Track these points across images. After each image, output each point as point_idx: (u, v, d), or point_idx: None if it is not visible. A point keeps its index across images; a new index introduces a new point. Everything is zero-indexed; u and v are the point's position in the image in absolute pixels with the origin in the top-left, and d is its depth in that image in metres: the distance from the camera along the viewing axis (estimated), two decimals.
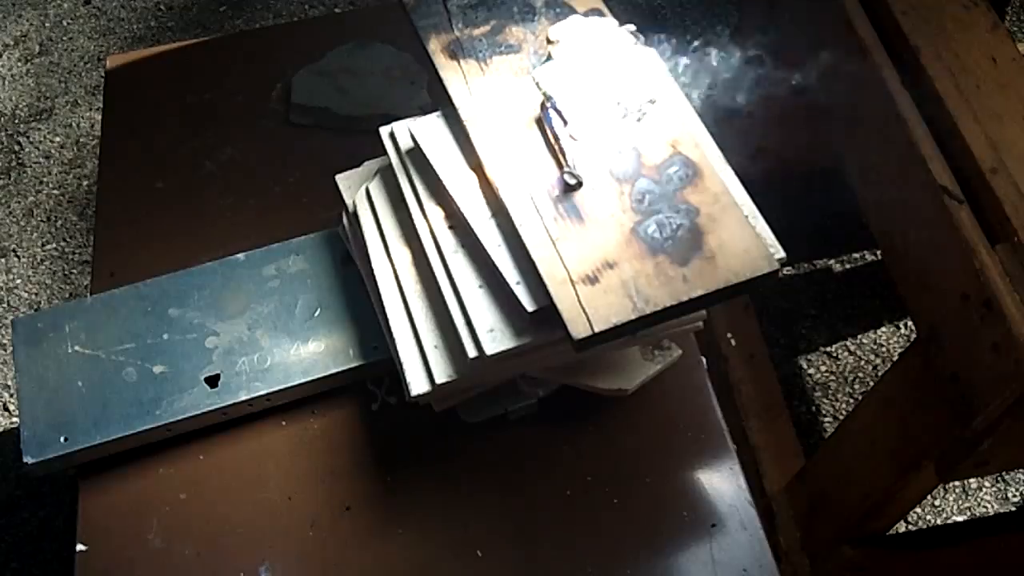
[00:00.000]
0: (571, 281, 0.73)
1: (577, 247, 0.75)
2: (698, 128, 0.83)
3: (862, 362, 1.80)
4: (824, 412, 1.74)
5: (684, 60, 0.86)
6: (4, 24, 2.42)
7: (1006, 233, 0.98)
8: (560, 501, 0.89)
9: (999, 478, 1.67)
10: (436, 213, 0.84)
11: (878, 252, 1.88)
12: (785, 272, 0.92)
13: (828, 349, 1.82)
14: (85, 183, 2.11)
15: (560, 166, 0.80)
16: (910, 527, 1.62)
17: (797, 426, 1.58)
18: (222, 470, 0.91)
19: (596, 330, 0.71)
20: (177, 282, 0.99)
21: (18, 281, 1.98)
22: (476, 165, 0.83)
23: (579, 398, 0.91)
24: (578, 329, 0.71)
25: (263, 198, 1.12)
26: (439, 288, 0.81)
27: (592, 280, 0.73)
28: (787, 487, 1.39)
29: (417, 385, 0.81)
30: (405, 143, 0.88)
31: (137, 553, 0.87)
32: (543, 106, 0.82)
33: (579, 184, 0.78)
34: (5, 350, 1.87)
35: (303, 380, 0.92)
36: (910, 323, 1.81)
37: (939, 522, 1.63)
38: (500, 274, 0.77)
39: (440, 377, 0.80)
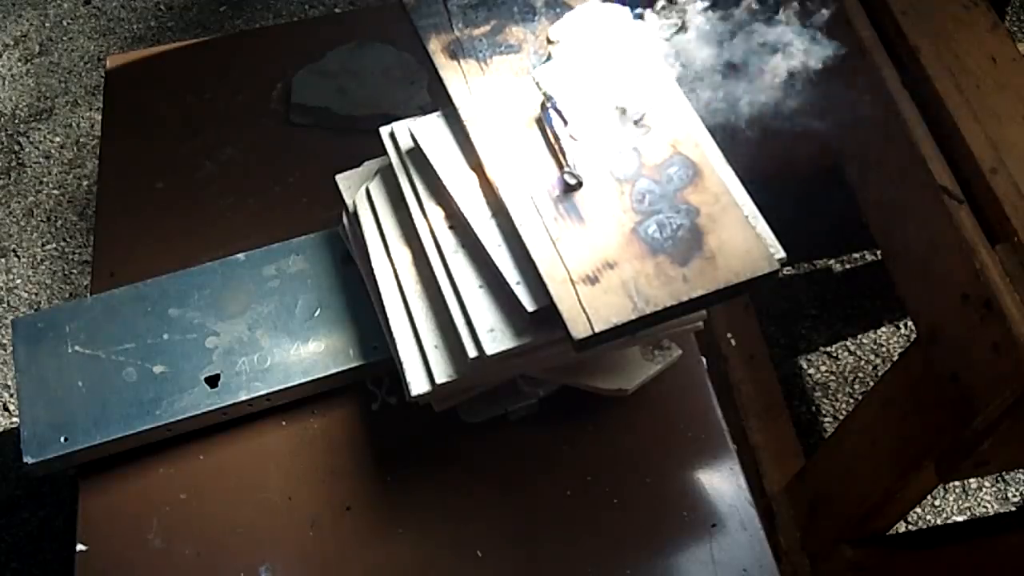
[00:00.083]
0: (571, 281, 0.73)
1: (577, 247, 0.75)
2: (698, 128, 0.83)
3: (862, 362, 1.80)
4: (824, 412, 1.74)
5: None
6: (4, 24, 2.42)
7: (1006, 233, 0.98)
8: (560, 501, 0.89)
9: (999, 478, 1.67)
10: (436, 213, 0.84)
11: (878, 252, 1.88)
12: (785, 272, 0.92)
13: (828, 349, 1.82)
14: (85, 183, 2.11)
15: (560, 166, 0.80)
16: (910, 527, 1.62)
17: (797, 426, 1.58)
18: (222, 470, 0.91)
19: (596, 330, 0.71)
20: (177, 282, 0.99)
21: (18, 281, 1.98)
22: (476, 165, 0.83)
23: (579, 398, 0.91)
24: (578, 329, 0.71)
25: (263, 198, 1.12)
26: (439, 288, 0.81)
27: (592, 280, 0.73)
28: (787, 487, 1.39)
29: (417, 385, 0.81)
30: (405, 143, 0.88)
31: (137, 553, 0.87)
32: (543, 106, 0.82)
33: (579, 184, 0.78)
34: (5, 350, 1.87)
35: (303, 380, 0.92)
36: (910, 323, 1.81)
37: (939, 522, 1.63)
38: (500, 274, 0.77)
39: (440, 377, 0.80)
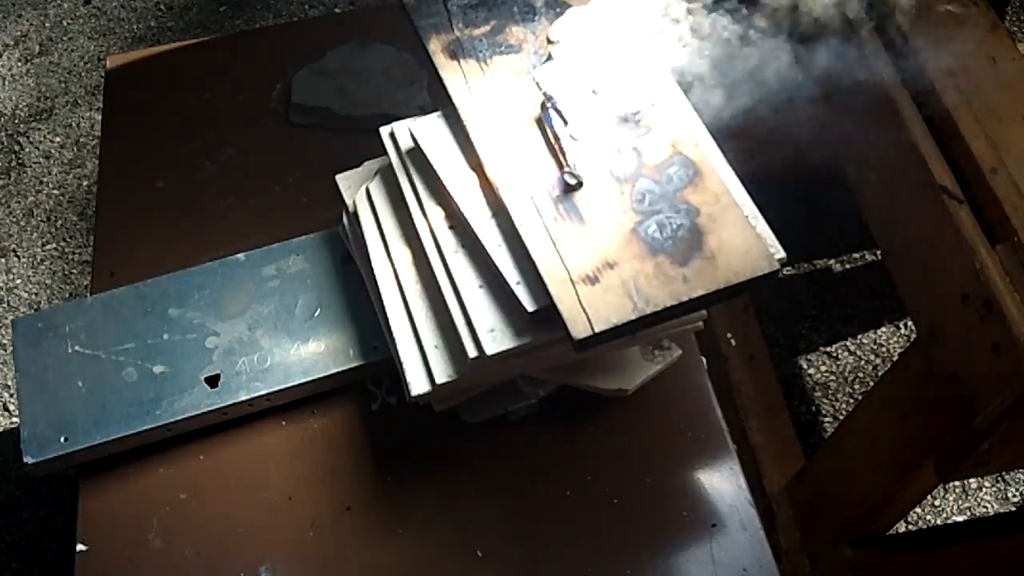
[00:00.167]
0: (571, 281, 0.73)
1: (577, 247, 0.75)
2: (698, 128, 0.83)
3: (862, 362, 1.80)
4: (824, 412, 1.74)
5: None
6: (4, 24, 2.42)
7: (1006, 233, 0.98)
8: (560, 501, 0.89)
9: (999, 478, 1.67)
10: (436, 213, 0.84)
11: (878, 252, 1.88)
12: (785, 272, 0.92)
13: (828, 349, 1.82)
14: (85, 183, 2.11)
15: (560, 166, 0.80)
16: (910, 527, 1.62)
17: (797, 426, 1.58)
18: (222, 470, 0.91)
19: (596, 330, 0.71)
20: (177, 282, 0.99)
21: (18, 281, 1.98)
22: (476, 165, 0.83)
23: (579, 398, 0.91)
24: (578, 329, 0.71)
25: (263, 198, 1.12)
26: (439, 288, 0.81)
27: (592, 280, 0.73)
28: (787, 487, 1.39)
29: (417, 385, 0.81)
30: (405, 143, 0.88)
31: (137, 553, 0.87)
32: (543, 106, 0.82)
33: (579, 184, 0.78)
34: (5, 350, 1.87)
35: (303, 380, 0.92)
36: (910, 323, 1.81)
37: (939, 522, 1.63)
38: (500, 274, 0.77)
39: (440, 377, 0.80)
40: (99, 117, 1.82)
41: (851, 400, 1.75)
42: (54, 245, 2.02)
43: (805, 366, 1.80)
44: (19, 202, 2.09)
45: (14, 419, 1.78)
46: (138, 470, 0.91)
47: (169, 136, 1.19)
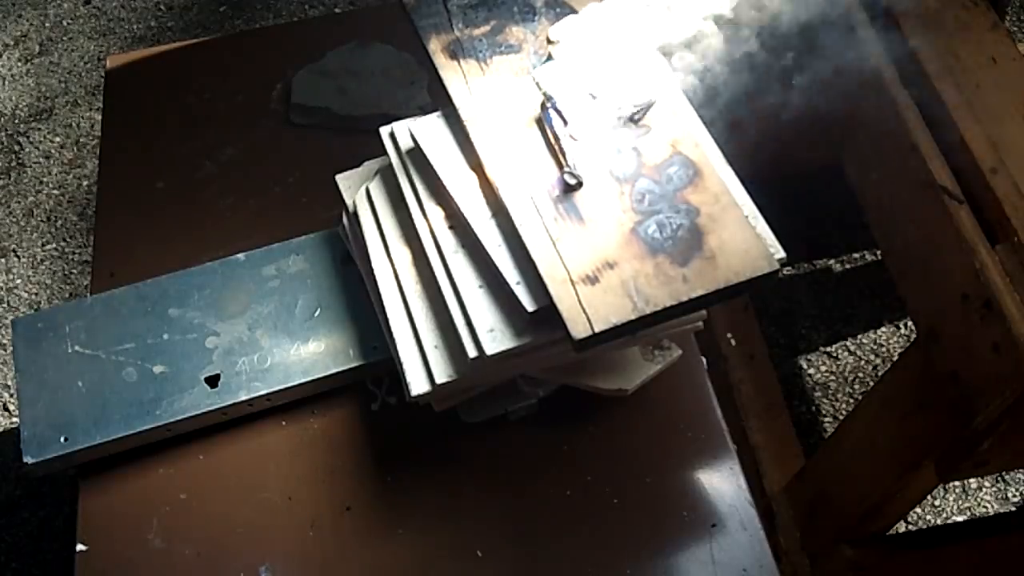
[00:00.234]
0: (571, 281, 0.73)
1: (577, 247, 0.75)
2: (698, 128, 0.83)
3: (862, 362, 1.80)
4: (824, 412, 1.74)
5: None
6: (4, 24, 2.42)
7: (1006, 233, 0.98)
8: (560, 501, 0.89)
9: (999, 478, 1.67)
10: (436, 213, 0.84)
11: (878, 252, 1.88)
12: (785, 272, 0.92)
13: (828, 349, 1.82)
14: (85, 183, 2.11)
15: (560, 166, 0.80)
16: (910, 527, 1.62)
17: (797, 426, 1.58)
18: (222, 470, 0.91)
19: (596, 330, 0.71)
20: (177, 282, 0.99)
21: (18, 281, 1.98)
22: (476, 165, 0.83)
23: (579, 398, 0.91)
24: (578, 329, 0.71)
25: (263, 198, 1.12)
26: (439, 288, 0.81)
27: (592, 280, 0.73)
28: (787, 487, 1.39)
29: (417, 385, 0.81)
30: (405, 143, 0.88)
31: (137, 553, 0.87)
32: (543, 106, 0.82)
33: (579, 184, 0.78)
34: (5, 350, 1.87)
35: (303, 380, 0.92)
36: (910, 323, 1.81)
37: (939, 522, 1.63)
38: (500, 274, 0.77)
39: (440, 377, 0.80)
40: (99, 117, 1.82)
41: (851, 400, 1.75)
42: (54, 245, 2.02)
43: (805, 366, 1.80)
44: (19, 202, 2.09)
45: (14, 419, 1.78)
46: (138, 470, 0.91)
47: (169, 136, 1.19)
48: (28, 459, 0.89)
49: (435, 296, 0.82)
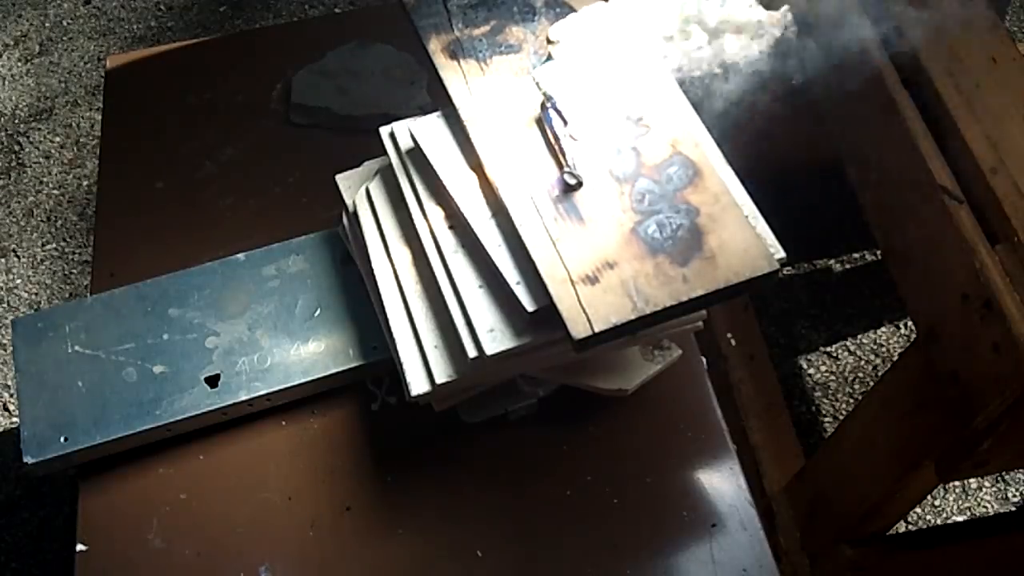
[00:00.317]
0: (571, 281, 0.73)
1: (577, 247, 0.75)
2: (698, 128, 0.83)
3: (862, 362, 1.80)
4: (824, 412, 1.74)
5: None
6: (4, 24, 2.42)
7: (1006, 233, 0.98)
8: (560, 501, 0.89)
9: (999, 478, 1.67)
10: (436, 213, 0.84)
11: (878, 252, 1.88)
12: (785, 272, 0.92)
13: (828, 349, 1.82)
14: (85, 183, 2.11)
15: (560, 166, 0.80)
16: (910, 527, 1.62)
17: (797, 426, 1.58)
18: (222, 470, 0.91)
19: (596, 330, 0.71)
20: (177, 282, 0.99)
21: (18, 281, 1.98)
22: (476, 165, 0.83)
23: (579, 398, 0.91)
24: (578, 329, 0.71)
25: (263, 198, 1.12)
26: (439, 288, 0.81)
27: (592, 280, 0.73)
28: (787, 487, 1.39)
29: (417, 385, 0.81)
30: (405, 143, 0.88)
31: (137, 553, 0.87)
32: (543, 106, 0.82)
33: (579, 184, 0.78)
34: (5, 350, 1.87)
35: (303, 380, 0.92)
36: (910, 323, 1.81)
37: (939, 522, 1.63)
38: (500, 274, 0.77)
39: (440, 377, 0.80)
40: (99, 117, 1.82)
41: (851, 400, 1.75)
42: (54, 245, 2.02)
43: (805, 366, 1.80)
44: (19, 202, 2.09)
45: (14, 419, 1.78)
46: (138, 470, 0.91)
47: (169, 136, 1.20)
48: (28, 459, 0.89)
49: (435, 296, 0.82)
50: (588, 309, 0.72)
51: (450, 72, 0.87)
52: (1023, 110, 1.05)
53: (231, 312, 0.97)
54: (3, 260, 2.00)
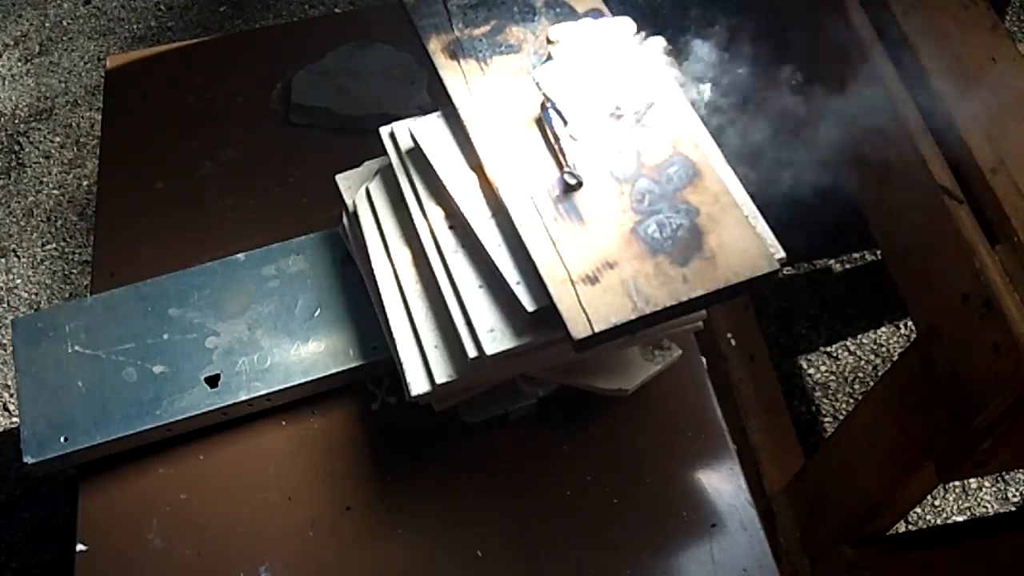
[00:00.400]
0: (571, 281, 0.73)
1: (577, 247, 0.75)
2: (698, 128, 0.83)
3: (862, 362, 1.80)
4: (824, 412, 1.74)
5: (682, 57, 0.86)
6: (4, 24, 2.42)
7: (1006, 233, 0.97)
8: (560, 501, 0.89)
9: (999, 478, 1.67)
10: (436, 213, 0.84)
11: (878, 252, 1.88)
12: (785, 272, 0.92)
13: (828, 349, 1.82)
14: (85, 183, 2.11)
15: (560, 166, 0.80)
16: (910, 527, 1.62)
17: (797, 426, 1.58)
18: (222, 470, 0.91)
19: (596, 330, 0.71)
20: (177, 282, 0.99)
21: (18, 281, 1.98)
22: (476, 165, 0.83)
23: (579, 398, 0.91)
24: (578, 329, 0.71)
25: (263, 198, 1.12)
26: (439, 288, 0.81)
27: (592, 280, 0.73)
28: (787, 487, 1.39)
29: (417, 385, 0.81)
30: (405, 143, 0.88)
31: (137, 553, 0.87)
32: (543, 106, 0.82)
33: (579, 184, 0.78)
34: (5, 350, 1.87)
35: (303, 380, 0.92)
36: (910, 323, 1.81)
37: (939, 522, 1.63)
38: (500, 274, 0.77)
39: (440, 377, 0.80)
40: (99, 117, 1.82)
41: (851, 400, 1.75)
42: (54, 245, 2.02)
43: (805, 366, 1.80)
44: (19, 202, 2.09)
45: (14, 419, 1.78)
46: (138, 470, 0.91)
47: (169, 136, 1.20)
48: (28, 459, 0.89)
49: (435, 296, 0.82)
50: (588, 309, 0.72)
51: (450, 72, 0.87)
52: (1023, 110, 1.05)
53: (231, 312, 0.97)
54: (3, 260, 2.00)
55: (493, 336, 0.76)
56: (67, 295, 1.95)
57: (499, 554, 0.86)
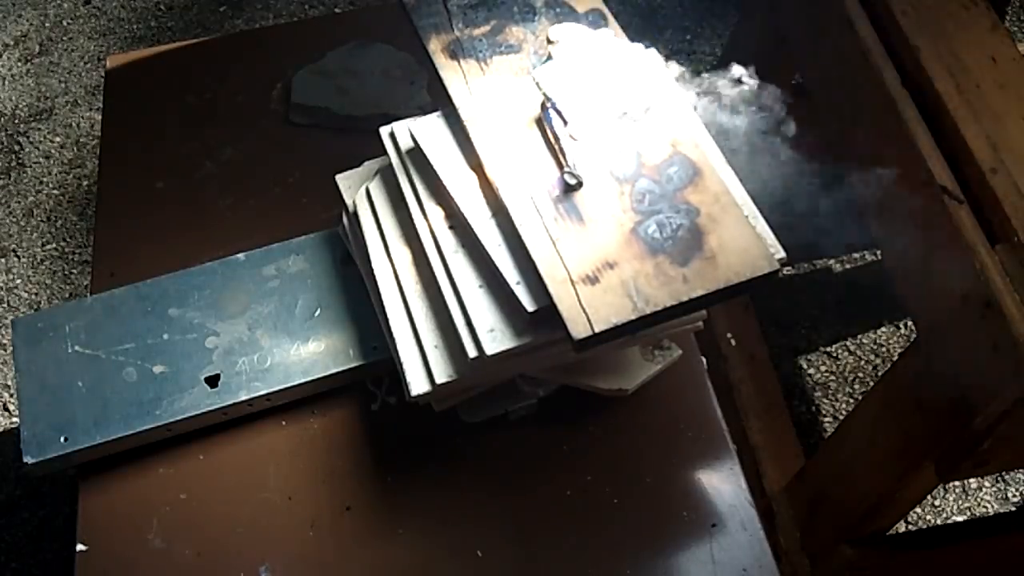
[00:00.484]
0: (571, 281, 0.73)
1: (577, 247, 0.75)
2: (698, 128, 0.84)
3: (862, 362, 1.80)
4: (824, 412, 1.74)
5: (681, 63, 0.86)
6: (4, 24, 2.42)
7: (1006, 233, 0.97)
8: (560, 501, 0.89)
9: (999, 478, 1.67)
10: (436, 213, 0.84)
11: (878, 252, 1.88)
12: (785, 272, 0.92)
13: (828, 349, 1.82)
14: (85, 183, 2.11)
15: (560, 166, 0.80)
16: (910, 527, 1.62)
17: (797, 426, 1.58)
18: (222, 470, 0.91)
19: (596, 330, 0.71)
20: (177, 282, 0.99)
21: (18, 281, 1.98)
22: (476, 165, 0.83)
23: (579, 398, 0.91)
24: (578, 329, 0.71)
25: (263, 198, 1.12)
26: (439, 288, 0.81)
27: (592, 280, 0.73)
28: (787, 487, 1.39)
29: (417, 385, 0.81)
30: (405, 143, 0.88)
31: (137, 553, 0.87)
32: (543, 106, 0.82)
33: (579, 184, 0.78)
34: (5, 350, 1.87)
35: (303, 380, 0.92)
36: (910, 323, 1.81)
37: (939, 522, 1.63)
38: (500, 274, 0.77)
39: (440, 377, 0.80)
40: (99, 117, 1.82)
41: (851, 400, 1.75)
42: (54, 245, 2.02)
43: (805, 366, 1.80)
44: (19, 202, 2.09)
45: (14, 419, 1.78)
46: (138, 470, 0.91)
47: (169, 136, 1.20)
48: (28, 459, 0.89)
49: (435, 296, 0.82)
50: (588, 309, 0.72)
51: (450, 72, 0.87)
52: (1023, 110, 1.05)
53: (231, 312, 0.97)
54: (3, 260, 2.00)
55: (493, 336, 0.76)
56: (67, 295, 1.95)
57: (499, 554, 0.86)
